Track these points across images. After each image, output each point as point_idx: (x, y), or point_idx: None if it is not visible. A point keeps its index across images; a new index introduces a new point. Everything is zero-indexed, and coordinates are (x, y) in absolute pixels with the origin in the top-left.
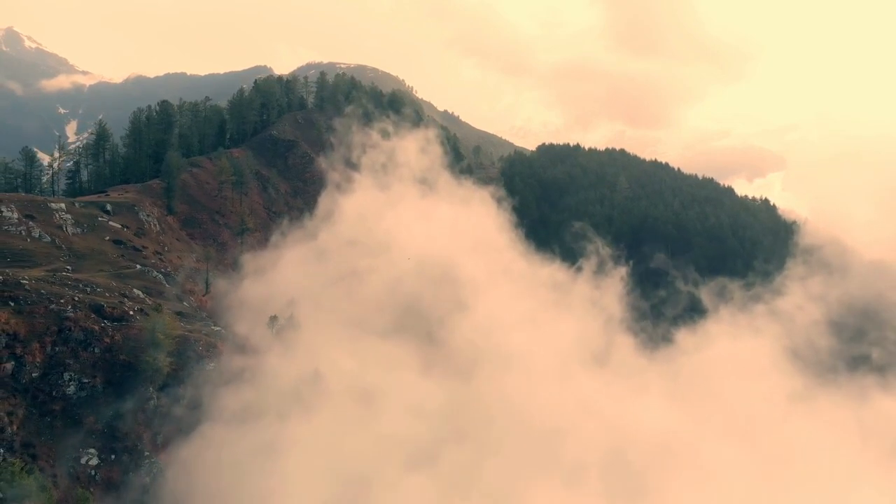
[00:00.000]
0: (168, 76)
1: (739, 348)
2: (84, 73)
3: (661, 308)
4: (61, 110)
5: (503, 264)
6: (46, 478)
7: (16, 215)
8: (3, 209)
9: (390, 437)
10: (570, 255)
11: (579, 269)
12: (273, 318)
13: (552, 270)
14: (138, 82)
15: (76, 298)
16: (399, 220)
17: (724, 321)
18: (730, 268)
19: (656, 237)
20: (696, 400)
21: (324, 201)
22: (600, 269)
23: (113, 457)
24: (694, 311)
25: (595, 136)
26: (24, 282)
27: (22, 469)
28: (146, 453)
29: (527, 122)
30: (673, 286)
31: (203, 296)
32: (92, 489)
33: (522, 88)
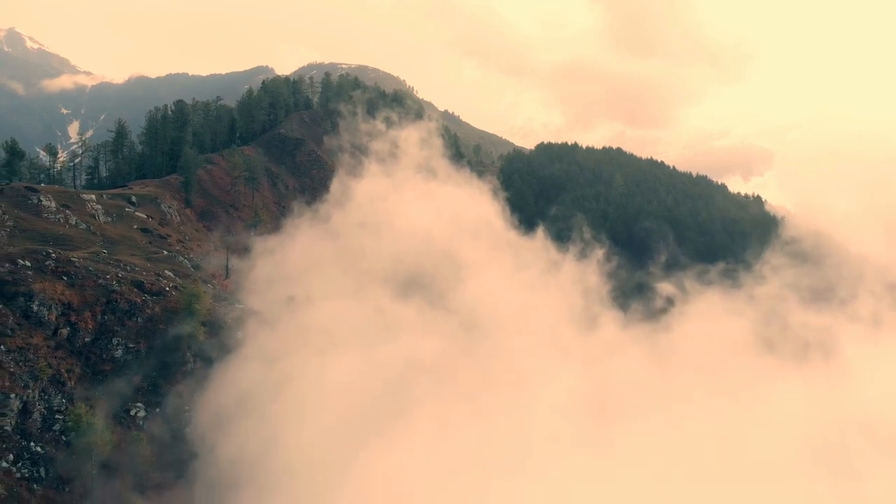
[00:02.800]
0: (170, 76)
1: (714, 326)
2: (86, 73)
3: (643, 286)
4: (63, 110)
5: (499, 245)
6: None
7: (53, 204)
8: (42, 199)
9: (399, 366)
10: (561, 240)
11: (566, 251)
12: (290, 298)
13: (543, 251)
14: (140, 82)
15: (119, 275)
16: (403, 204)
17: (703, 303)
18: (718, 259)
19: (649, 230)
20: (670, 360)
21: (333, 185)
22: (584, 252)
23: (157, 410)
24: (675, 292)
25: (596, 136)
26: (75, 259)
27: (87, 413)
28: (185, 408)
29: (528, 122)
30: (656, 251)
31: (224, 280)
32: (141, 435)
33: (523, 89)
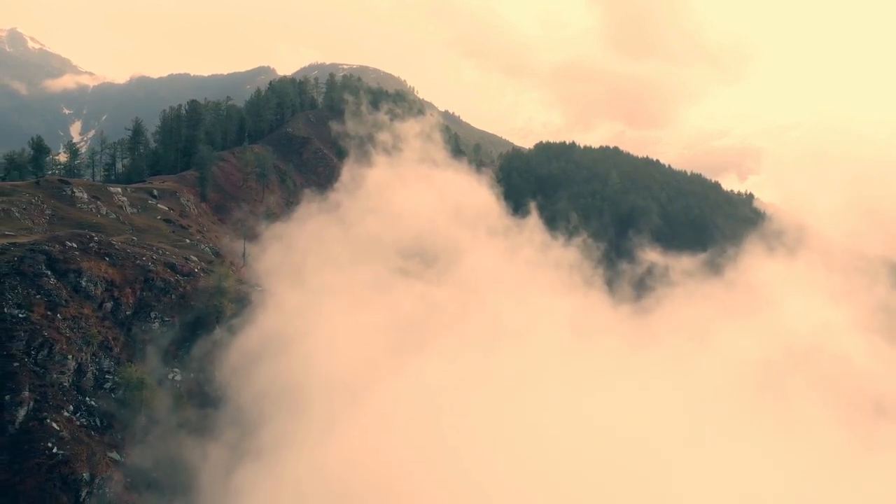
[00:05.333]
0: (171, 77)
1: (686, 295)
2: (88, 73)
3: (629, 252)
4: (65, 110)
5: (495, 231)
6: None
7: (86, 196)
8: (74, 191)
9: (412, 310)
10: (552, 227)
11: (556, 237)
12: (305, 277)
13: (536, 235)
14: (142, 83)
15: (153, 258)
16: (407, 192)
17: (681, 277)
18: (707, 249)
19: (642, 225)
20: (647, 318)
21: (340, 173)
22: (571, 234)
23: (192, 375)
24: (657, 258)
25: (596, 136)
26: (115, 242)
27: (136, 370)
28: (216, 373)
29: (528, 122)
30: (642, 225)
31: (242, 267)
32: (181, 392)
33: (523, 89)
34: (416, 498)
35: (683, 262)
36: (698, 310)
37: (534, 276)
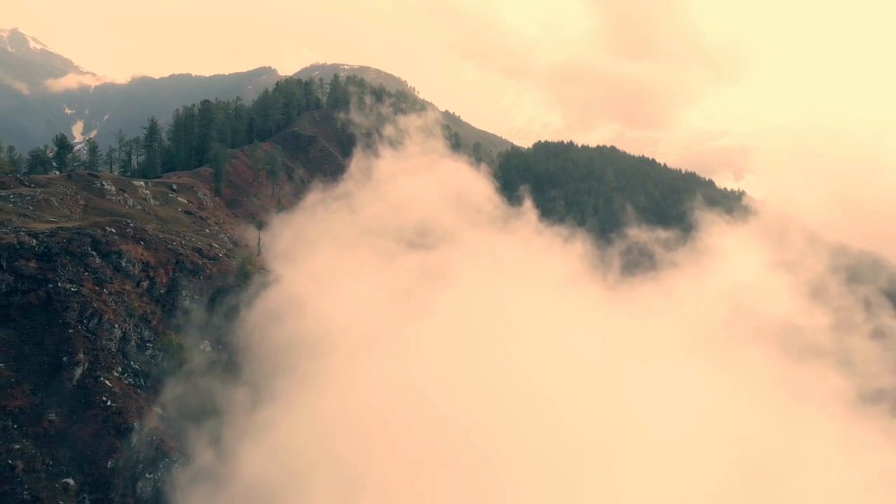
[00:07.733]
0: (173, 77)
1: (661, 273)
2: (90, 73)
3: (617, 240)
4: (67, 110)
5: (492, 218)
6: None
7: (114, 188)
8: (104, 184)
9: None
10: (546, 217)
11: (550, 226)
12: (315, 261)
13: (530, 220)
14: (143, 83)
15: (182, 243)
16: (409, 182)
17: (657, 257)
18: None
19: (629, 208)
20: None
21: (344, 164)
22: (562, 220)
23: (220, 347)
24: (639, 251)
25: (596, 137)
26: (148, 229)
27: (175, 337)
28: (241, 345)
29: (528, 122)
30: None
31: (257, 255)
32: (213, 358)
33: (523, 90)
34: (400, 418)
35: (660, 234)
36: (668, 274)
37: (528, 253)
